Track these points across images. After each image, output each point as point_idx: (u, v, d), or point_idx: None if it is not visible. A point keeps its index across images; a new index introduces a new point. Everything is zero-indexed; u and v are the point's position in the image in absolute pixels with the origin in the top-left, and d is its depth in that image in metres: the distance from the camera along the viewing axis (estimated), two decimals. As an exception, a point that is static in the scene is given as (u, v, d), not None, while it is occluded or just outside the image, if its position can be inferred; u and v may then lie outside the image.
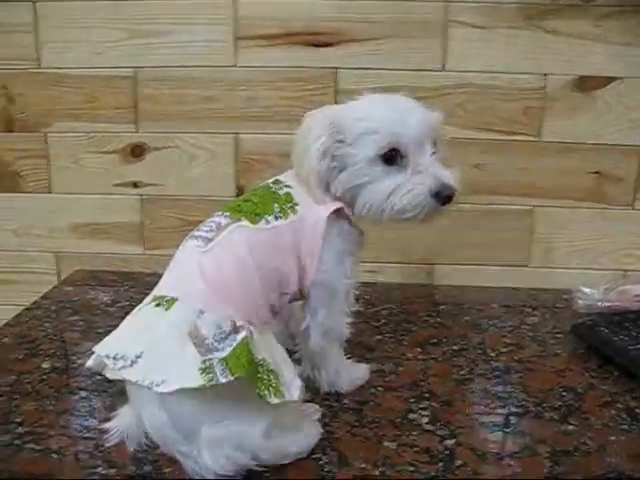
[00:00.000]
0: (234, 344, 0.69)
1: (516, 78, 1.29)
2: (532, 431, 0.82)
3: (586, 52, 1.27)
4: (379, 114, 0.83)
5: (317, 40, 1.30)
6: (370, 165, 0.83)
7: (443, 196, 0.82)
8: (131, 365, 0.69)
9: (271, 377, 0.70)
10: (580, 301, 1.17)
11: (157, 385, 0.66)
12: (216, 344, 0.69)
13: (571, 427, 0.83)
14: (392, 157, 0.82)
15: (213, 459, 0.69)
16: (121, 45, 1.35)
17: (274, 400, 0.69)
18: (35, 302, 1.26)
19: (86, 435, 0.81)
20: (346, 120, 0.84)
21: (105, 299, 1.28)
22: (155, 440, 0.72)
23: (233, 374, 0.66)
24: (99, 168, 1.42)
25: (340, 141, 0.83)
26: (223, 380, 0.66)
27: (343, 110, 0.86)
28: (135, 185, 1.43)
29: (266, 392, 0.68)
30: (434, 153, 0.84)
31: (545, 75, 1.28)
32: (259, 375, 0.69)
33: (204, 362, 0.67)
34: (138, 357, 0.69)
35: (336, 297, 0.87)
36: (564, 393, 0.92)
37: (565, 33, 1.26)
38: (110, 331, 0.79)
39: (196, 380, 0.66)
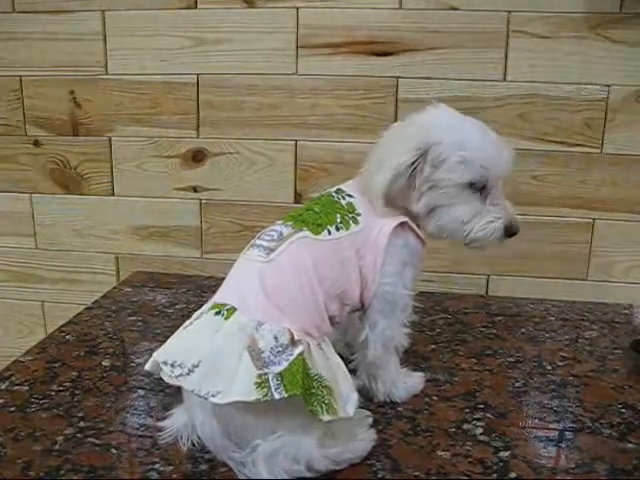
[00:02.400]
0: (290, 359, 0.70)
1: (578, 89, 1.27)
2: (589, 447, 0.81)
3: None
4: (477, 146, 0.85)
5: (378, 49, 1.31)
6: (459, 190, 0.85)
7: (512, 232, 0.87)
8: (188, 374, 0.70)
9: (325, 393, 0.70)
10: (641, 316, 1.15)
11: (213, 396, 0.68)
12: (273, 358, 0.70)
13: (630, 445, 0.81)
14: (477, 187, 0.85)
15: (269, 471, 0.70)
16: (184, 53, 1.39)
17: (326, 417, 0.69)
18: (96, 301, 1.30)
19: (143, 433, 0.83)
20: (441, 144, 0.84)
21: (163, 301, 1.30)
22: (207, 445, 0.74)
23: (287, 391, 0.67)
24: (160, 172, 1.46)
25: (433, 165, 0.84)
26: (277, 396, 0.67)
27: (436, 131, 0.85)
28: (195, 190, 1.45)
29: (318, 408, 0.69)
30: None
31: (608, 86, 1.26)
32: (313, 390, 0.69)
33: (259, 376, 0.68)
34: (195, 366, 0.70)
35: (396, 308, 0.88)
36: (623, 410, 0.90)
37: (630, 42, 1.23)
38: (167, 332, 0.81)
39: (251, 394, 0.67)
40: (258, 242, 0.82)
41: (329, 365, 0.75)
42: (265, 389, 0.67)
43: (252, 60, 1.36)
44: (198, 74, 1.39)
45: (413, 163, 0.83)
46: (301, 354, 0.70)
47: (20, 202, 1.53)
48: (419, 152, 0.83)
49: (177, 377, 0.71)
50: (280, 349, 0.71)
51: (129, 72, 1.42)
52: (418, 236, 0.89)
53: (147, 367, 0.77)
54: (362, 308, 0.88)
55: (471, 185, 0.84)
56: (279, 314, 0.74)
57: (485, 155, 0.84)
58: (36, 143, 1.49)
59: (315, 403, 0.69)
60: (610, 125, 1.28)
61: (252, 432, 0.71)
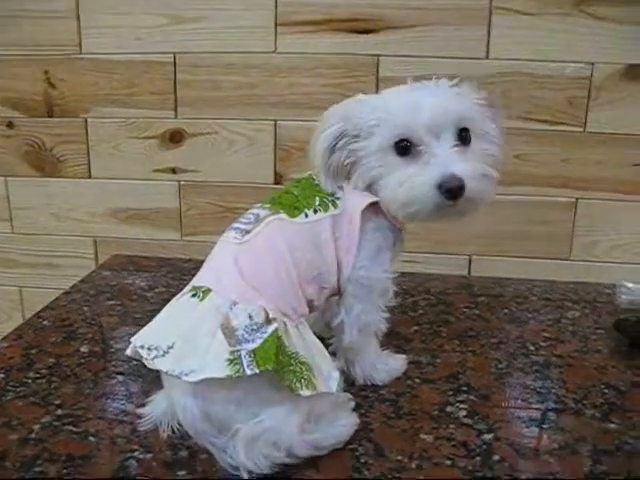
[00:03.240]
0: (265, 336, 0.69)
1: (562, 66, 1.26)
2: (572, 428, 0.80)
3: (636, 40, 1.23)
4: (391, 104, 0.79)
5: (359, 27, 1.28)
6: (383, 156, 0.79)
7: (446, 187, 0.74)
8: (163, 355, 0.70)
9: (303, 369, 0.70)
10: (623, 296, 1.14)
11: (186, 375, 0.67)
12: (247, 335, 0.69)
13: (613, 425, 0.81)
14: (405, 148, 0.78)
15: (249, 458, 0.68)
16: (160, 31, 1.36)
17: (306, 392, 0.68)
18: (74, 286, 1.28)
19: (123, 419, 0.81)
20: (361, 113, 0.80)
21: (142, 284, 1.29)
22: (187, 431, 0.73)
23: (259, 367, 0.66)
24: (138, 154, 1.44)
25: (355, 135, 0.80)
26: (249, 372, 0.66)
27: (360, 103, 0.82)
28: (173, 171, 1.43)
29: (297, 384, 0.68)
30: (461, 144, 0.78)
31: (592, 64, 1.25)
32: (291, 367, 0.69)
33: (232, 353, 0.67)
34: (170, 347, 0.70)
35: (372, 293, 0.86)
36: (606, 390, 0.90)
37: (615, 19, 1.22)
38: (147, 316, 0.80)
39: (223, 371, 0.66)
40: (235, 225, 0.81)
41: (306, 345, 0.74)
42: (237, 366, 0.66)
43: (230, 38, 1.33)
44: (175, 53, 1.36)
45: (339, 136, 0.80)
46: (276, 331, 0.70)
47: (-5, 185, 1.51)
48: (344, 124, 0.80)
49: (153, 359, 0.70)
50: (254, 327, 0.70)
51: (104, 51, 1.38)
52: (392, 218, 0.86)
53: (128, 352, 0.76)
54: (339, 292, 0.87)
55: (394, 150, 0.78)
56: (255, 294, 0.74)
57: (399, 112, 0.78)
58: (10, 125, 1.46)
59: (294, 379, 0.68)
60: (594, 104, 1.27)
61: (233, 417, 0.70)
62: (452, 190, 0.74)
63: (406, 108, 0.78)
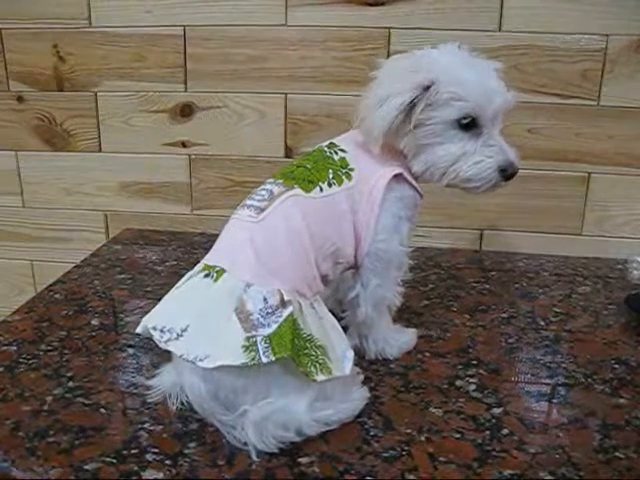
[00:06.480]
0: (280, 320, 0.69)
1: (575, 39, 1.24)
2: (581, 403, 0.80)
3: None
4: (469, 83, 0.80)
5: (370, -1, 1.27)
6: (446, 128, 0.82)
7: (508, 173, 0.83)
8: (177, 338, 0.70)
9: (318, 353, 0.70)
10: (635, 271, 1.14)
11: (200, 360, 0.67)
12: (262, 320, 0.69)
13: (623, 400, 0.81)
14: (468, 124, 0.82)
15: (259, 438, 0.69)
16: (170, 4, 1.34)
17: (321, 377, 0.69)
18: (85, 260, 1.28)
19: (134, 391, 0.82)
20: (438, 82, 0.80)
21: (153, 258, 1.29)
22: (195, 408, 0.73)
23: (275, 354, 0.66)
24: (148, 127, 1.43)
25: (429, 104, 0.81)
26: (265, 360, 0.66)
27: (435, 68, 0.81)
28: (184, 145, 1.43)
29: (312, 369, 0.68)
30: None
31: (607, 36, 1.22)
32: (306, 351, 0.69)
33: (247, 339, 0.67)
34: (184, 330, 0.70)
35: (390, 266, 0.86)
36: (616, 365, 0.90)
37: (630, -9, 1.20)
38: (158, 290, 0.80)
39: (238, 358, 0.66)
40: (249, 202, 0.80)
41: (322, 324, 0.74)
42: (253, 353, 0.66)
43: (240, 11, 1.32)
44: (184, 26, 1.35)
45: (412, 101, 0.80)
46: (291, 315, 0.69)
47: (5, 160, 1.50)
48: (420, 89, 0.79)
49: (166, 342, 0.70)
50: (269, 310, 0.69)
51: (114, 24, 1.37)
52: (414, 187, 0.86)
53: (138, 330, 0.76)
54: (356, 266, 0.86)
55: (459, 124, 0.81)
56: (269, 274, 0.73)
57: (477, 94, 0.80)
58: (20, 99, 1.45)
59: (309, 364, 0.68)
60: (608, 76, 1.25)
61: (241, 396, 0.70)
62: (513, 175, 0.84)
63: (483, 92, 0.81)
